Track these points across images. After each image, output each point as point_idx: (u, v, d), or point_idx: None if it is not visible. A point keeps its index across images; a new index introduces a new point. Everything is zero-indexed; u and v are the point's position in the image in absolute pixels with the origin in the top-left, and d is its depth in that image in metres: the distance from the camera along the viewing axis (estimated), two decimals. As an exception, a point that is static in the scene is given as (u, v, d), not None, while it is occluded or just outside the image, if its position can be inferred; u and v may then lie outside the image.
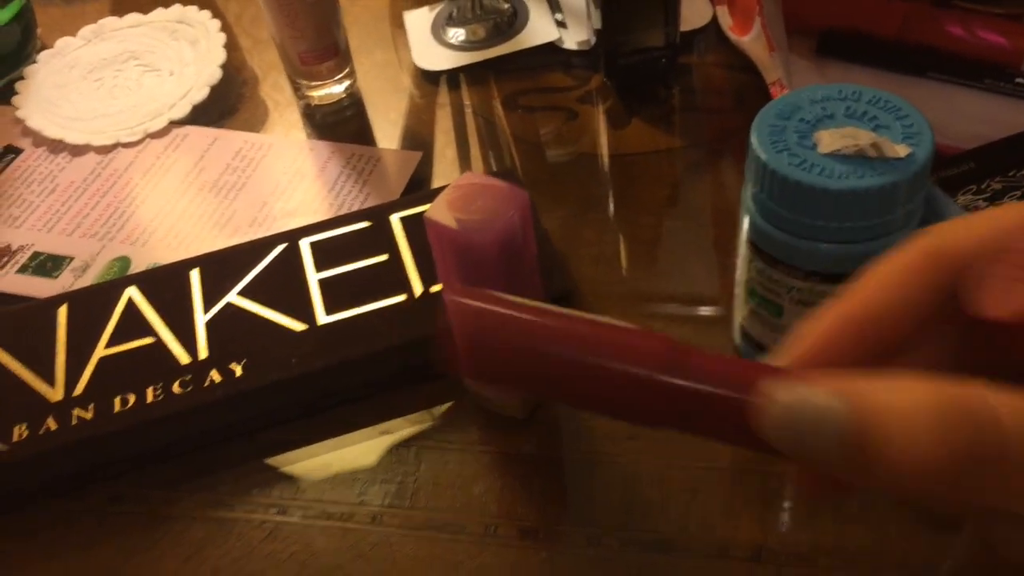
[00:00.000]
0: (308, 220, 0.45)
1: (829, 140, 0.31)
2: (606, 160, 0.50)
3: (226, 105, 0.56)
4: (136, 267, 0.46)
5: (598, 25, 0.52)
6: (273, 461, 0.38)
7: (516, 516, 0.35)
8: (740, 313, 0.37)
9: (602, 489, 0.36)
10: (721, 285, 0.43)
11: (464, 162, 0.52)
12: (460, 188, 0.32)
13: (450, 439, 0.38)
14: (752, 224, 0.33)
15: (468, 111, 0.54)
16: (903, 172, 0.30)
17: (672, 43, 0.52)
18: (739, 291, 0.37)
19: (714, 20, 0.57)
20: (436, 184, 0.50)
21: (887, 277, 0.21)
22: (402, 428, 0.39)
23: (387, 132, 0.53)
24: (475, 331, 0.21)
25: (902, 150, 0.30)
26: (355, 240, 0.43)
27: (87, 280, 0.46)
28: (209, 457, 0.38)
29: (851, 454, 0.17)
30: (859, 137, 0.31)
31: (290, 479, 0.38)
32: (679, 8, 0.51)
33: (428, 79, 0.56)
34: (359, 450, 0.38)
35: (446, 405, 0.39)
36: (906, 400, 0.17)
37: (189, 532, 0.36)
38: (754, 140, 0.32)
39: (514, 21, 0.58)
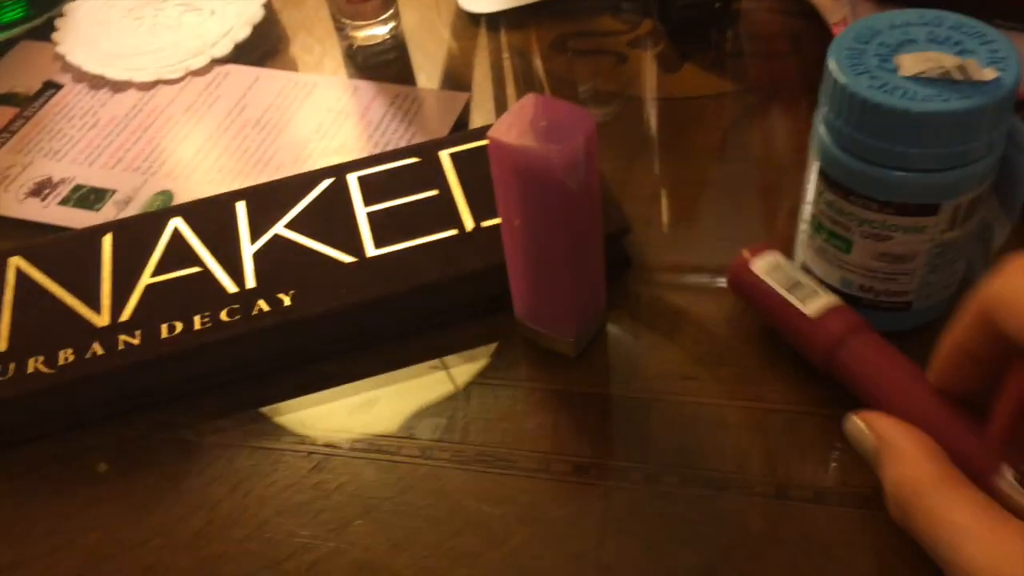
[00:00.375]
0: (352, 159, 0.44)
1: (911, 63, 0.30)
2: (657, 104, 0.49)
3: (268, 45, 0.55)
4: (179, 201, 0.46)
5: (651, -34, 0.50)
6: (321, 394, 0.37)
7: (569, 452, 0.35)
8: (803, 253, 0.36)
9: (657, 427, 0.35)
10: (779, 227, 0.42)
11: (508, 105, 0.50)
12: (526, 108, 0.31)
13: (501, 375, 0.37)
14: (824, 153, 0.32)
15: (512, 54, 0.53)
16: (990, 96, 0.29)
17: (727, -14, 0.51)
18: (804, 228, 0.35)
19: (769, -34, 0.56)
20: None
21: (958, 326, 0.28)
22: (452, 364, 0.38)
23: (430, 74, 0.52)
24: None
25: (989, 74, 0.29)
26: (403, 175, 0.42)
27: (130, 213, 0.45)
28: (256, 388, 0.38)
29: (874, 461, 0.30)
30: (943, 60, 0.29)
31: (338, 412, 0.37)
32: (736, -51, 0.50)
33: (472, 21, 0.55)
34: (408, 385, 0.37)
35: (496, 342, 0.38)
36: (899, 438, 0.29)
37: (236, 461, 0.36)
38: (832, 64, 0.31)
39: (562, -36, 0.57)
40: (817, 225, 0.34)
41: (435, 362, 0.38)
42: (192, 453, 0.36)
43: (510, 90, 0.51)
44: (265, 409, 0.37)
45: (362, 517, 0.33)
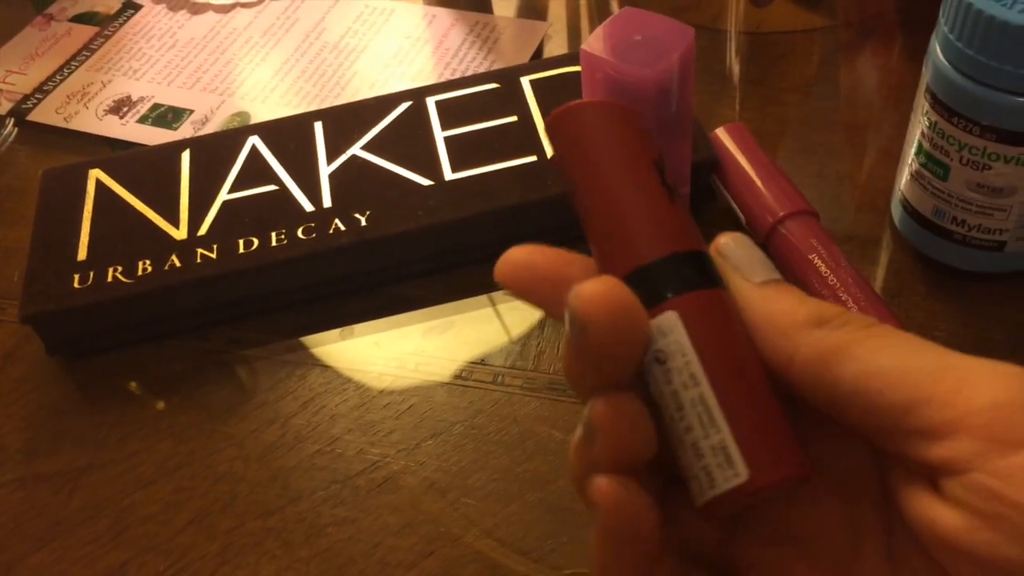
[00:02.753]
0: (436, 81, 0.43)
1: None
2: (746, 38, 0.47)
3: (346, -29, 0.54)
4: (255, 122, 0.45)
5: None
6: (395, 317, 0.37)
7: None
8: (902, 180, 0.34)
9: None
10: (875, 163, 0.40)
11: (585, 35, 0.49)
12: (620, 20, 0.30)
13: (575, 306, 0.37)
14: (935, 72, 0.30)
15: (597, -15, 0.51)
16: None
17: (824, -83, 0.48)
18: (907, 151, 0.34)
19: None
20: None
21: None
22: (526, 292, 0.37)
23: (505, 4, 0.51)
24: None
25: (1125, -5, 0.27)
26: (483, 100, 0.41)
27: (206, 132, 0.45)
28: (329, 308, 0.38)
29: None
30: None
31: (411, 335, 0.37)
32: None
33: (555, -49, 0.54)
34: (482, 311, 0.37)
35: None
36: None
37: (308, 379, 0.36)
38: (951, -21, 0.29)
39: None
40: (917, 148, 0.32)
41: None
42: (265, 369, 0.36)
43: (585, 23, 0.50)
44: (337, 329, 0.37)
45: (432, 438, 0.33)
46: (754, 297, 0.20)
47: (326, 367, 0.36)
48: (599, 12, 0.50)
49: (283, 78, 0.48)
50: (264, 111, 0.46)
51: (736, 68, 0.46)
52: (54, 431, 0.35)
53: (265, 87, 0.47)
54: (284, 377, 0.36)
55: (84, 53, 0.51)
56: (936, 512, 0.18)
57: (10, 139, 0.47)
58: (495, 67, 0.46)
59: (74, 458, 0.34)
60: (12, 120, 0.48)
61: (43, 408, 0.36)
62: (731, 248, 0.21)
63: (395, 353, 0.36)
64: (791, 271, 0.34)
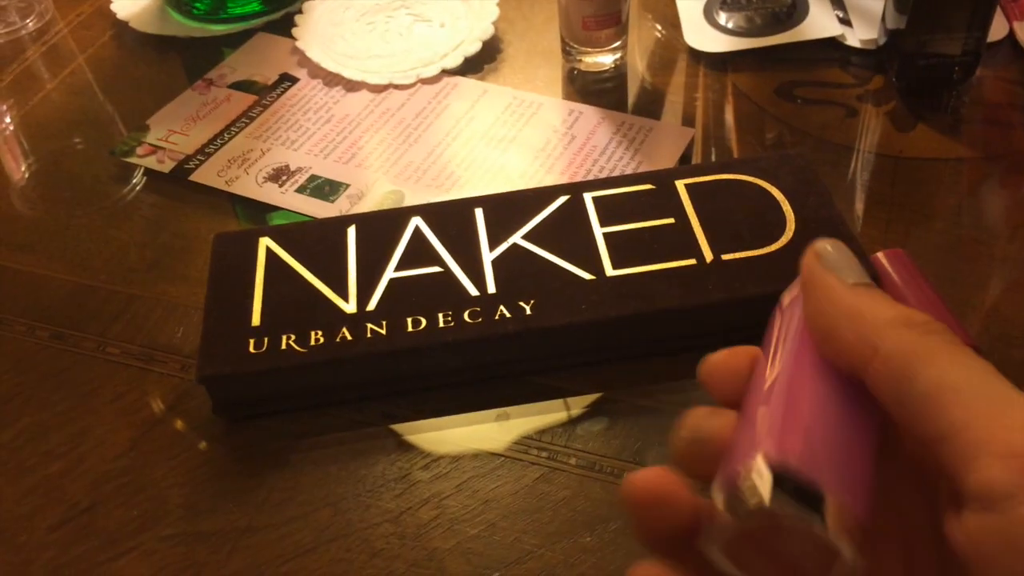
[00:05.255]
0: (582, 178, 0.45)
1: None
2: (889, 161, 0.48)
3: (492, 59, 0.57)
4: (409, 202, 0.47)
5: (896, 24, 0.50)
6: (547, 405, 0.38)
7: (800, 501, 0.34)
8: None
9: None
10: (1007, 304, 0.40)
11: (731, 144, 0.50)
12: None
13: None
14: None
15: (736, 96, 0.53)
16: None
17: (971, 50, 0.50)
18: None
19: (1010, 35, 0.54)
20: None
21: None
22: (683, 392, 0.38)
23: (647, 107, 0.53)
24: None
25: None
26: (639, 200, 0.42)
27: (362, 208, 0.47)
28: (483, 392, 0.38)
29: None
30: None
31: (563, 427, 0.37)
32: (990, 17, 0.48)
33: (696, 59, 0.55)
34: (637, 408, 0.37)
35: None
36: None
37: (461, 461, 0.36)
38: None
39: (792, 12, 0.56)
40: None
41: (667, 386, 0.38)
42: (419, 447, 0.37)
43: (733, 132, 0.51)
44: (490, 413, 0.38)
45: (589, 534, 0.34)
46: (846, 294, 0.21)
47: (478, 451, 0.37)
48: (748, 122, 0.52)
49: (435, 161, 0.50)
50: (417, 192, 0.48)
51: (881, 190, 0.47)
52: (214, 490, 0.36)
53: (418, 168, 0.49)
54: (438, 457, 0.36)
55: (243, 120, 0.53)
56: (962, 533, 0.18)
57: (137, 188, 0.49)
58: (643, 168, 0.48)
59: (233, 519, 0.35)
60: (142, 171, 0.50)
61: (204, 466, 0.37)
62: (829, 252, 0.22)
63: (547, 443, 0.37)
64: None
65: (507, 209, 0.42)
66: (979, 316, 0.40)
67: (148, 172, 0.51)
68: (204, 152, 0.51)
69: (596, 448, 0.36)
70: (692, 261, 0.39)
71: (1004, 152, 0.48)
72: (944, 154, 0.48)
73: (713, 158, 0.50)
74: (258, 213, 0.48)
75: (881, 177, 0.48)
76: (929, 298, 0.37)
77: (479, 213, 0.42)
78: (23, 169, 0.53)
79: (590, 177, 0.48)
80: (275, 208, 0.48)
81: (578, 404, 0.38)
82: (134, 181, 0.51)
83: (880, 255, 0.39)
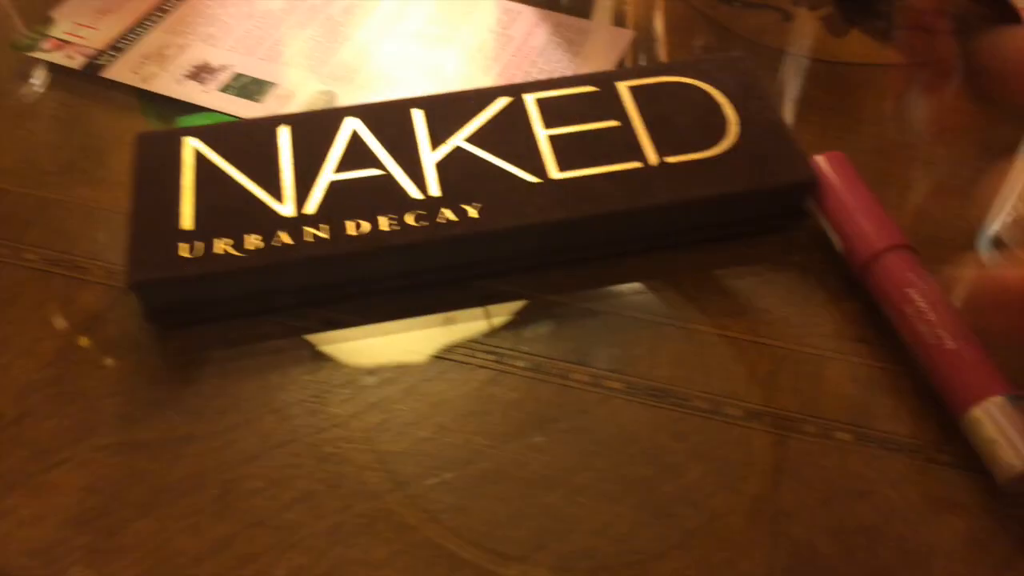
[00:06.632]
0: (521, 79, 0.44)
1: None
2: (823, 66, 0.49)
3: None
4: (341, 103, 0.45)
5: (832, -76, 0.49)
6: (493, 309, 0.38)
7: (741, 397, 0.35)
8: (997, 223, 0.36)
9: (831, 384, 0.35)
10: (951, 200, 0.41)
11: (673, 47, 0.50)
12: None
13: (669, 314, 0.37)
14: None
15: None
16: None
17: (903, -45, 0.50)
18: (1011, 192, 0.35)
19: (939, -60, 0.55)
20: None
21: None
22: (628, 295, 0.38)
23: (581, 8, 0.52)
24: None
25: None
26: (581, 103, 0.41)
27: (291, 109, 0.45)
28: (425, 297, 0.38)
29: None
30: None
31: (509, 330, 0.37)
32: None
33: (632, -40, 0.54)
34: (582, 311, 0.38)
35: (662, 281, 0.38)
36: None
37: (408, 366, 0.36)
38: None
39: (728, -88, 0.55)
40: None
41: (610, 290, 0.38)
42: (364, 353, 0.36)
43: (666, 33, 0.51)
44: (436, 318, 0.37)
45: (539, 433, 0.34)
46: None
47: (427, 355, 0.36)
48: (694, 25, 0.51)
49: (365, 61, 0.48)
50: (349, 93, 0.46)
51: (813, 93, 0.47)
52: (150, 399, 0.35)
53: (349, 68, 0.47)
54: (384, 362, 0.36)
55: (157, 13, 0.50)
56: None
57: (44, 85, 0.46)
58: (582, 71, 0.47)
59: (173, 427, 0.34)
60: (46, 66, 0.47)
61: (137, 374, 0.35)
62: None
63: (493, 347, 0.36)
64: (890, 303, 0.35)
65: (447, 110, 0.41)
66: (910, 218, 0.41)
67: (56, 68, 0.47)
68: (116, 48, 0.48)
69: (542, 351, 0.36)
70: (637, 164, 0.39)
71: (931, 59, 0.49)
72: (876, 60, 0.49)
73: (651, 61, 0.49)
74: (170, 114, 0.45)
75: (815, 82, 0.48)
76: (867, 199, 0.38)
77: (417, 115, 0.41)
78: (-88, 64, 0.48)
79: (529, 79, 0.46)
80: (190, 109, 0.45)
81: (524, 307, 0.38)
82: (40, 78, 0.47)
83: (820, 157, 0.39)
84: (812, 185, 0.39)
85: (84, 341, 0.36)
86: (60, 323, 0.37)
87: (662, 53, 0.50)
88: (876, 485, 0.32)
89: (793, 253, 0.39)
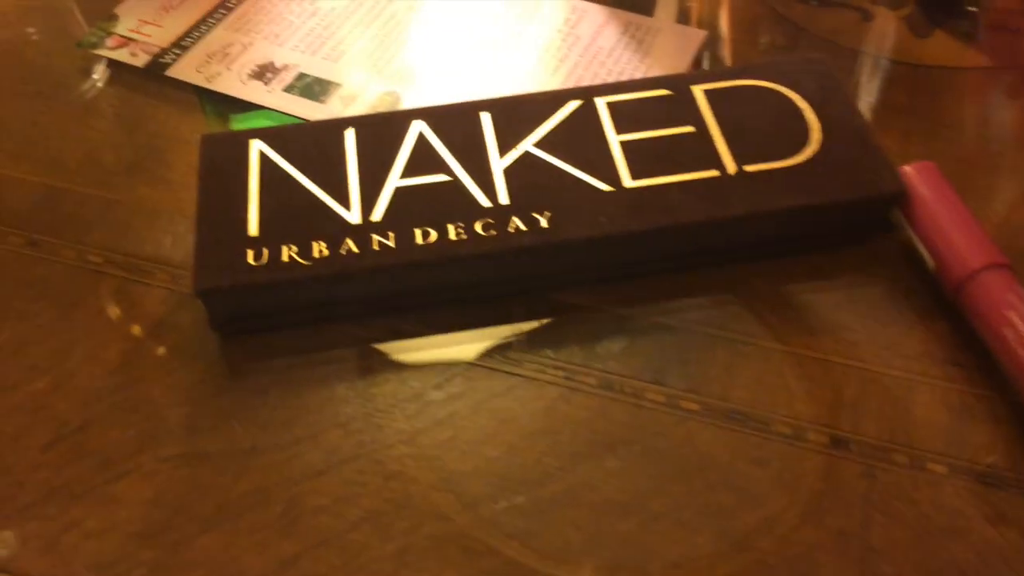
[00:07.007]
0: (591, 82, 0.42)
1: None
2: (904, 68, 0.46)
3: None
4: (405, 104, 0.44)
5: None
6: (563, 322, 0.36)
7: (825, 422, 0.33)
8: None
9: (922, 410, 0.33)
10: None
11: (745, 46, 0.48)
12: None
13: (747, 332, 0.36)
14: None
15: (747, -4, 0.50)
16: None
17: (993, -48, 0.48)
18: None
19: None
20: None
21: None
22: (703, 309, 0.36)
23: (649, 6, 0.50)
24: None
25: None
26: (655, 107, 0.40)
27: (355, 110, 0.44)
28: (495, 308, 0.37)
29: None
30: None
31: (579, 345, 0.36)
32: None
33: (704, -44, 0.53)
34: (655, 326, 0.36)
35: (736, 295, 0.37)
36: None
37: (475, 380, 0.35)
38: None
39: (805, -94, 0.53)
40: None
41: (687, 302, 0.37)
42: (430, 365, 0.35)
43: (736, 31, 0.49)
44: (503, 329, 0.36)
45: (612, 456, 0.33)
46: None
47: (493, 369, 0.35)
48: (761, 24, 0.49)
49: (429, 60, 0.46)
50: (414, 94, 0.45)
51: (895, 97, 0.45)
52: (215, 409, 0.34)
53: (411, 68, 0.46)
54: (451, 376, 0.35)
55: (221, 11, 0.49)
56: None
57: (108, 83, 0.46)
58: (652, 72, 0.45)
59: (237, 439, 0.33)
60: (106, 63, 0.46)
61: (203, 383, 0.35)
62: None
63: (564, 362, 0.35)
64: (986, 325, 0.33)
65: (515, 114, 0.40)
66: (1003, 231, 0.39)
67: (118, 65, 0.47)
68: (180, 45, 0.47)
69: (614, 368, 0.35)
70: (714, 172, 0.37)
71: (1018, 62, 0.47)
72: (960, 63, 0.46)
73: (726, 62, 0.47)
74: (229, 111, 0.44)
75: (898, 85, 0.46)
76: (961, 214, 0.36)
77: (486, 118, 0.39)
78: (-22, 60, 0.48)
79: (598, 80, 0.45)
80: (247, 106, 0.44)
81: (594, 321, 0.36)
82: (104, 75, 0.47)
83: (908, 168, 0.37)
84: (900, 197, 0.37)
85: (148, 347, 0.36)
86: (124, 328, 0.36)
87: (732, 53, 0.48)
88: (973, 523, 0.30)
89: (877, 267, 0.38)
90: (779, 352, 0.35)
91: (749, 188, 0.36)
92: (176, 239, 0.39)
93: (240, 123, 0.44)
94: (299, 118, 0.44)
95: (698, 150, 0.38)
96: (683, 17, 0.50)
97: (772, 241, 0.38)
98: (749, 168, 0.37)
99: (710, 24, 0.49)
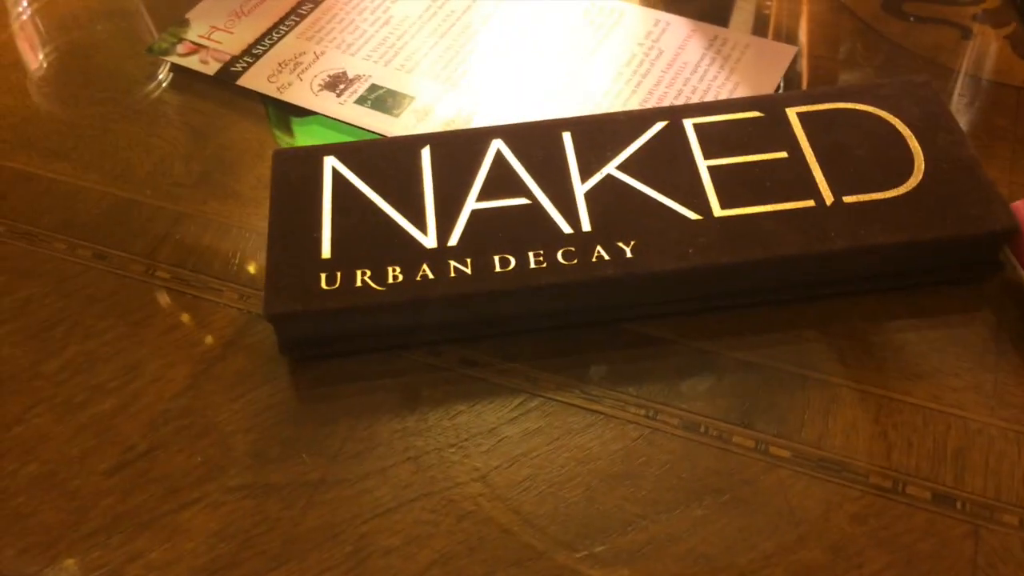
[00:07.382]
0: (674, 100, 0.40)
1: None
2: (1007, 90, 0.44)
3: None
4: (481, 119, 0.43)
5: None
6: (645, 356, 0.35)
7: (927, 476, 0.31)
8: None
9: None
10: None
11: (830, 63, 0.46)
12: None
13: (845, 374, 0.34)
14: None
15: (841, 10, 0.48)
16: None
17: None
18: None
19: None
20: (807, 85, 0.45)
21: None
22: (790, 345, 0.34)
23: (740, 20, 0.48)
24: None
25: None
26: (746, 130, 0.38)
27: (429, 125, 0.43)
28: (570, 340, 0.35)
29: None
30: None
31: (662, 381, 0.34)
32: None
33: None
34: (742, 363, 0.34)
35: (842, 337, 0.35)
36: None
37: (552, 414, 0.33)
38: None
39: (901, -85, 0.51)
40: None
41: (775, 337, 0.35)
42: (505, 397, 0.34)
43: (836, 52, 0.46)
44: (582, 360, 0.34)
45: (698, 504, 0.31)
46: None
47: (568, 404, 0.34)
48: (864, 40, 0.47)
49: (505, 73, 0.45)
50: (490, 108, 0.43)
51: (1000, 121, 0.42)
52: (284, 438, 0.33)
53: (487, 81, 0.44)
54: (527, 410, 0.33)
55: (293, 18, 0.48)
56: None
57: (178, 91, 0.45)
58: (739, 91, 0.43)
59: (306, 471, 0.32)
60: (168, 67, 0.46)
61: (271, 409, 0.34)
62: None
63: (644, 400, 0.33)
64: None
65: (598, 134, 0.38)
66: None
67: (188, 72, 0.46)
68: (251, 53, 0.46)
69: (699, 408, 0.33)
70: (810, 202, 0.35)
71: None
72: (1072, 86, 0.44)
73: (817, 82, 0.45)
74: (289, 115, 0.43)
75: (1002, 109, 0.43)
76: (1080, 256, 0.33)
77: (567, 137, 0.38)
78: (45, 65, 0.48)
79: (682, 98, 0.43)
80: (307, 113, 0.43)
81: (675, 355, 0.35)
82: (174, 83, 0.46)
83: (1021, 204, 0.35)
84: (1012, 234, 0.34)
85: (216, 370, 0.35)
86: (192, 349, 0.35)
87: (820, 71, 0.46)
88: (1096, 597, 0.28)
89: (983, 308, 0.35)
90: (875, 396, 0.33)
91: (848, 220, 0.34)
92: (245, 256, 0.38)
93: (301, 126, 0.43)
94: (372, 132, 0.42)
95: (793, 178, 0.36)
96: (759, 27, 0.47)
97: (869, 276, 0.36)
98: (848, 199, 0.35)
99: (789, 38, 0.47)
